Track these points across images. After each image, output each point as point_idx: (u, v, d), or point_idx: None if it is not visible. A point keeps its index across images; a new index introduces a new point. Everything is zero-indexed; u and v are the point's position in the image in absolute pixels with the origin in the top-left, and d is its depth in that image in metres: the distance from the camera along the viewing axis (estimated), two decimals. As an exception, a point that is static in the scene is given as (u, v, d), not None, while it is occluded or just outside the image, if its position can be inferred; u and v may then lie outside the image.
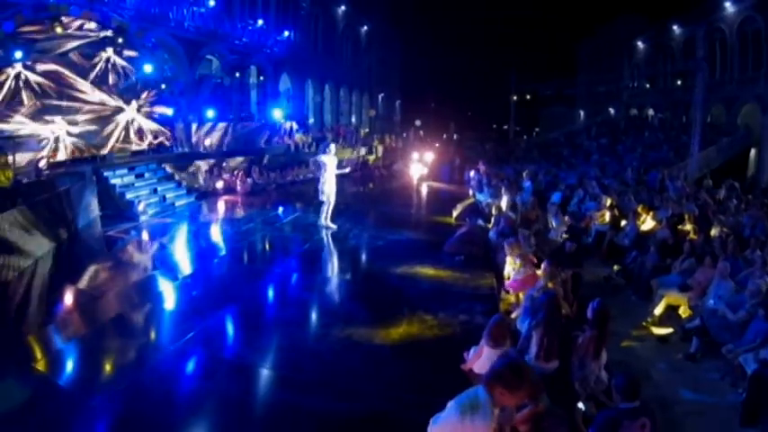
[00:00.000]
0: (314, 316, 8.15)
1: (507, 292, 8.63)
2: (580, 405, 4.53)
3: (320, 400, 5.60)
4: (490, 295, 8.81)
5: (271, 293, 9.42)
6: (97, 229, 13.84)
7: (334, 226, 13.56)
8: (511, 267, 8.47)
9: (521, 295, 7.79)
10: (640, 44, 47.24)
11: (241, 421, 5.33)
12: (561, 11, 61.57)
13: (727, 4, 34.12)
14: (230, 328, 7.72)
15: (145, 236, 13.54)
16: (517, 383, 3.29)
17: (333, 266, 11.26)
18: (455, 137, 51.98)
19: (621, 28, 49.99)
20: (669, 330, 7.64)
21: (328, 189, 13.31)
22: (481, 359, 5.59)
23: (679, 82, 40.23)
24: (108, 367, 6.48)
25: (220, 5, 25.70)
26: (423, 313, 7.89)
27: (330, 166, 13.32)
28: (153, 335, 7.57)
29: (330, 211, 13.58)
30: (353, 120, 43.52)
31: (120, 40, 17.26)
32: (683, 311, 8.10)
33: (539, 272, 7.50)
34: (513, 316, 7.35)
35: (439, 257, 11.01)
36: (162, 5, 22.26)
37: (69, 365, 6.50)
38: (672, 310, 8.24)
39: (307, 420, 5.32)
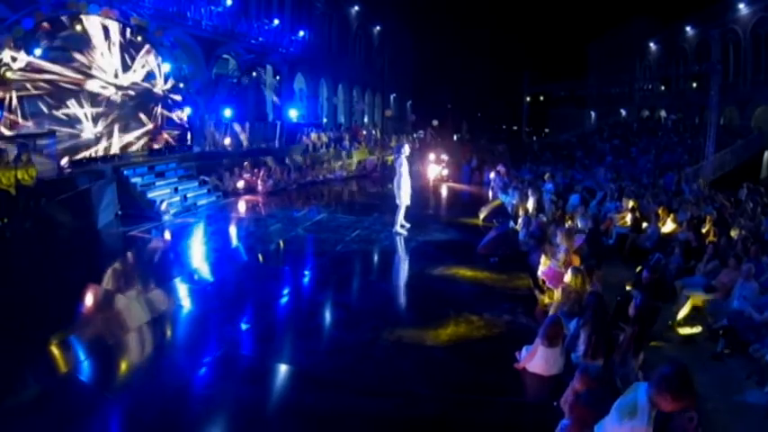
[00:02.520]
0: (361, 318, 8.00)
1: (544, 282, 8.81)
2: None
3: (381, 405, 5.66)
4: (530, 296, 8.94)
5: (311, 296, 9.36)
6: (118, 229, 13.86)
7: (408, 225, 13.46)
8: (546, 267, 8.64)
9: (555, 295, 8.01)
10: (652, 45, 47.19)
11: (302, 428, 5.34)
12: (572, 11, 61.60)
13: (741, 6, 34.12)
14: (277, 333, 7.66)
15: (172, 236, 13.53)
16: (684, 391, 3.46)
17: (370, 268, 11.23)
18: (467, 137, 51.86)
19: (633, 29, 49.97)
20: (696, 330, 7.77)
21: (404, 191, 13.14)
22: (535, 358, 5.81)
23: (695, 84, 40.18)
24: (150, 373, 6.40)
25: (237, 5, 26.00)
26: (468, 314, 7.99)
27: (405, 166, 13.20)
28: (194, 340, 7.44)
29: (402, 215, 13.38)
30: (366, 120, 43.75)
31: (140, 39, 17.51)
32: (709, 312, 8.23)
33: (567, 275, 7.63)
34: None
35: (473, 259, 11.14)
36: (180, 4, 22.59)
37: (94, 372, 6.38)
38: (696, 311, 8.36)
39: (369, 426, 5.36)
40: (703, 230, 11.92)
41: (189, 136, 20.22)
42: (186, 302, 8.73)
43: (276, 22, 29.07)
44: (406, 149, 13.46)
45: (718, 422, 6.04)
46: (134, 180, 15.90)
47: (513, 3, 63.27)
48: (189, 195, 16.71)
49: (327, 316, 8.23)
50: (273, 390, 5.99)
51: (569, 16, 62.47)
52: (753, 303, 7.57)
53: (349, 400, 5.72)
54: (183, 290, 9.29)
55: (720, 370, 7.02)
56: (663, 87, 47.13)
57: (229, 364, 6.53)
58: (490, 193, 19.80)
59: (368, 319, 7.90)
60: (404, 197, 13.14)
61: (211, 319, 7.98)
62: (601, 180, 19.81)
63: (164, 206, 15.06)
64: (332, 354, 6.82)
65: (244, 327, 7.68)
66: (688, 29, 41.12)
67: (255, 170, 20.17)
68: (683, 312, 8.23)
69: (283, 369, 6.41)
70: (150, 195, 15.59)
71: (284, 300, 8.91)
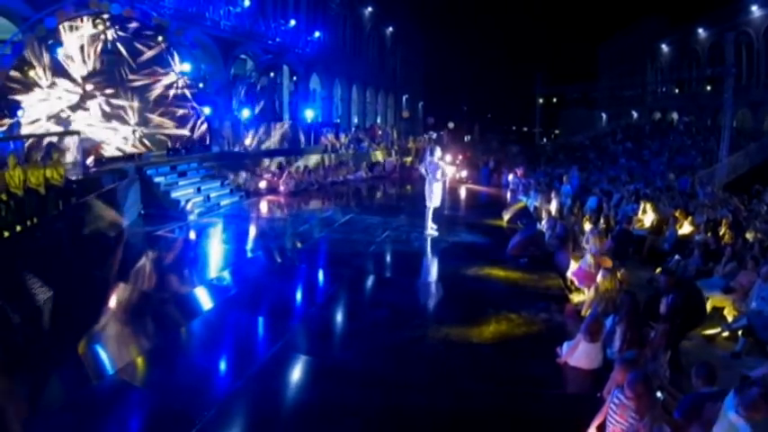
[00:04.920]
0: (406, 317, 8.18)
1: (572, 282, 9.14)
2: (659, 394, 5.01)
3: (437, 401, 5.85)
4: (562, 295, 9.25)
5: (353, 295, 9.46)
6: (144, 229, 13.85)
7: (435, 226, 13.54)
8: (576, 268, 8.94)
9: (586, 293, 8.38)
10: (664, 47, 47.14)
11: (359, 427, 5.42)
12: (582, 12, 61.79)
13: (754, 8, 34.10)
14: (325, 332, 7.78)
15: (203, 236, 13.57)
16: None
17: (406, 268, 11.31)
18: (478, 138, 52.09)
19: (645, 30, 49.98)
20: (716, 330, 8.02)
21: (435, 193, 13.24)
22: (577, 353, 6.19)
23: (709, 87, 40.15)
24: (207, 375, 6.44)
25: (254, 5, 26.25)
26: (507, 312, 8.29)
27: (438, 170, 13.25)
28: (243, 343, 7.40)
29: (431, 216, 13.48)
30: (378, 120, 43.98)
31: (160, 38, 17.73)
32: (728, 312, 8.47)
33: (599, 276, 7.98)
34: (584, 313, 7.89)
35: (503, 259, 11.43)
36: (199, 5, 22.86)
37: (134, 372, 6.40)
38: (716, 311, 8.61)
39: (426, 419, 5.53)
40: (720, 233, 12.14)
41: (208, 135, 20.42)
42: (231, 303, 8.76)
43: (293, 22, 29.31)
44: (438, 153, 13.54)
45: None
46: (157, 180, 16.01)
47: (524, 5, 63.54)
48: (212, 195, 16.87)
49: (373, 315, 8.34)
50: (330, 387, 6.10)
51: (580, 17, 62.74)
52: (771, 304, 7.81)
53: (407, 398, 5.90)
54: (226, 290, 9.37)
55: (739, 368, 7.25)
56: (677, 90, 47.04)
57: (284, 363, 6.64)
58: (508, 195, 19.93)
59: (412, 318, 8.14)
60: (434, 199, 13.28)
61: (258, 319, 8.12)
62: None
63: (189, 206, 15.17)
64: (384, 351, 7.02)
65: (293, 326, 7.81)
66: (700, 31, 41.08)
67: (277, 170, 20.41)
68: (703, 313, 8.47)
69: (339, 367, 6.58)
70: (174, 195, 15.70)
71: (327, 299, 8.99)
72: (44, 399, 5.70)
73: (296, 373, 6.45)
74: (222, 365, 6.69)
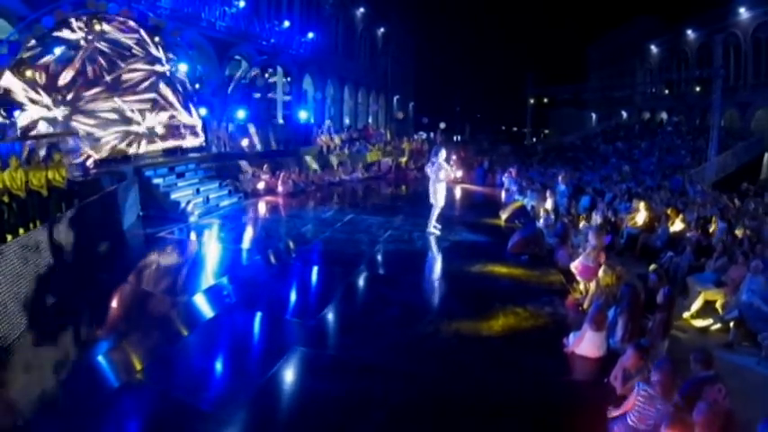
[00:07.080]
0: (417, 313, 8.36)
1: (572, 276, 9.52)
2: None
3: (453, 391, 6.08)
4: (564, 290, 9.54)
5: (364, 294, 9.66)
6: (145, 231, 13.70)
7: (439, 226, 13.74)
8: (578, 262, 9.27)
9: (582, 286, 8.74)
10: (653, 48, 47.68)
11: (383, 417, 5.55)
12: (572, 13, 62.41)
13: (742, 10, 34.67)
14: (340, 331, 7.91)
15: (207, 238, 13.52)
16: None
17: (412, 266, 11.37)
18: (468, 138, 52.43)
19: (634, 31, 50.55)
20: (709, 322, 8.36)
21: (439, 193, 13.43)
22: (583, 342, 6.54)
23: (698, 88, 40.68)
24: (229, 374, 6.56)
25: (249, 6, 26.47)
26: (513, 307, 8.55)
27: (443, 171, 13.41)
28: (260, 343, 7.56)
29: (436, 216, 13.68)
30: (370, 121, 44.19)
31: (157, 39, 17.79)
32: (720, 305, 8.81)
33: (600, 272, 8.36)
34: (585, 305, 8.22)
35: (504, 257, 11.68)
36: (195, 5, 23.04)
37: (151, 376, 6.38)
38: (708, 304, 8.94)
39: (446, 411, 5.69)
40: (710, 230, 12.54)
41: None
42: (244, 304, 8.77)
43: (287, 23, 29.50)
44: (442, 154, 13.68)
45: (732, 404, 6.60)
46: (156, 181, 15.83)
47: (515, 5, 64.02)
48: (211, 196, 16.75)
49: (385, 312, 8.44)
50: (352, 382, 6.25)
51: (570, 18, 63.36)
52: (761, 296, 8.14)
53: (423, 387, 6.14)
54: (237, 291, 9.42)
55: (732, 357, 7.58)
56: (666, 91, 47.56)
57: (303, 360, 6.77)
58: (503, 195, 20.10)
59: (424, 315, 8.35)
60: (439, 199, 13.47)
61: (271, 320, 8.18)
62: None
63: (190, 207, 15.04)
64: (399, 347, 7.20)
65: (307, 325, 7.88)
66: (689, 32, 41.65)
67: (277, 172, 20.55)
68: (696, 306, 8.79)
69: (358, 363, 6.71)
70: (173, 196, 15.50)
71: (338, 299, 9.03)
72: (56, 403, 5.75)
73: (316, 370, 6.55)
74: (241, 366, 6.75)
